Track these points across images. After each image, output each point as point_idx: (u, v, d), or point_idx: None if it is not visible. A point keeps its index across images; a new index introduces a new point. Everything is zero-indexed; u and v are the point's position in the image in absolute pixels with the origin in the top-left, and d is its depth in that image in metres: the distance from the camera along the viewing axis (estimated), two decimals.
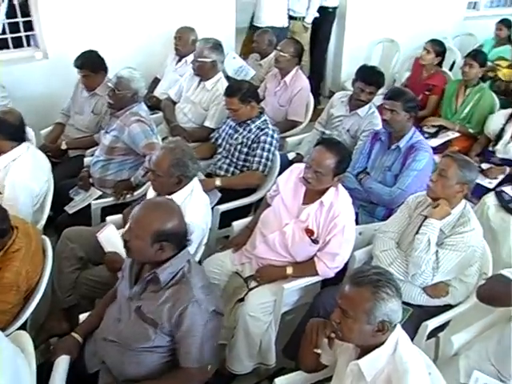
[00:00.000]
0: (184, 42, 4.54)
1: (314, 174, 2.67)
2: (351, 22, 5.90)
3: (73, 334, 2.31)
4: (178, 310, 2.02)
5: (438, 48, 4.89)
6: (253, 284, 2.80)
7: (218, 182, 3.40)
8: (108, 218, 3.06)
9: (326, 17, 5.80)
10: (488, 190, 3.87)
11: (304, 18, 5.66)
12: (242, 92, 3.44)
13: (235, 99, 3.43)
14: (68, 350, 2.22)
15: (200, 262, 2.86)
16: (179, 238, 2.11)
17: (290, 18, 5.69)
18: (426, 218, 2.67)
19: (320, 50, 6.05)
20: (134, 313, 2.12)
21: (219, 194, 3.33)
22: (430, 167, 3.26)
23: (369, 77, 3.78)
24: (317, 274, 2.76)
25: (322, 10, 5.72)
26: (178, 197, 2.61)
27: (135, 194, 3.40)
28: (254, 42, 5.01)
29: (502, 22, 6.11)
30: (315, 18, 5.70)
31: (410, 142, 3.26)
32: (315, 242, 2.72)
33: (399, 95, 3.29)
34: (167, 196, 2.53)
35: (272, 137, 3.44)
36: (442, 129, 4.50)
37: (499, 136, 4.16)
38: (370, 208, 3.32)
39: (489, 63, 5.11)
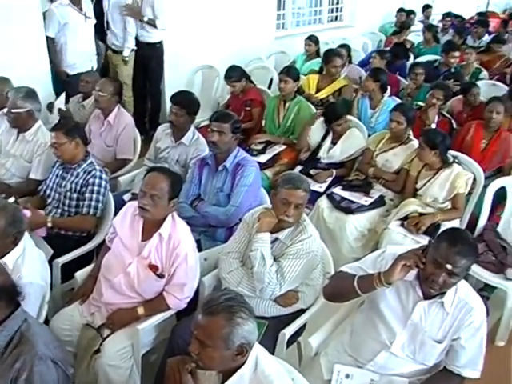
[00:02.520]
0: None
1: (149, 199, 2.66)
2: (169, 52, 6.02)
3: None
4: (23, 375, 1.88)
5: (240, 72, 5.15)
6: (106, 332, 2.70)
7: (49, 219, 3.27)
8: None
9: (154, 52, 5.91)
10: (320, 194, 4.15)
11: (122, 51, 5.72)
12: (67, 127, 3.36)
13: (60, 133, 3.31)
14: None
15: (47, 321, 2.71)
16: (8, 295, 1.98)
17: (113, 51, 5.78)
18: None
19: (155, 86, 6.16)
20: None
21: (51, 250, 3.17)
22: (258, 180, 3.42)
23: (179, 100, 3.89)
24: (169, 308, 2.74)
25: (149, 46, 5.82)
26: (10, 258, 2.45)
27: None
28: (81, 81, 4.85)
29: (310, 38, 6.76)
30: (143, 56, 5.81)
31: (236, 160, 3.39)
32: (161, 276, 2.71)
33: (227, 117, 3.41)
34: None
35: (101, 178, 3.36)
36: (268, 144, 4.75)
37: (320, 145, 4.51)
38: (210, 232, 3.37)
39: (302, 76, 5.51)
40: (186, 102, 3.91)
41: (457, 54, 6.18)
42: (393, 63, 6.34)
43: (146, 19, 5.59)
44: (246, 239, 2.84)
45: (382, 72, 5.11)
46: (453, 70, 6.10)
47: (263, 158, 4.51)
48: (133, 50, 5.76)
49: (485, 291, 3.72)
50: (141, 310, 2.72)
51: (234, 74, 5.09)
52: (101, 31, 5.82)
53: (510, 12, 12.43)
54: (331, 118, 4.43)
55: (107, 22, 5.75)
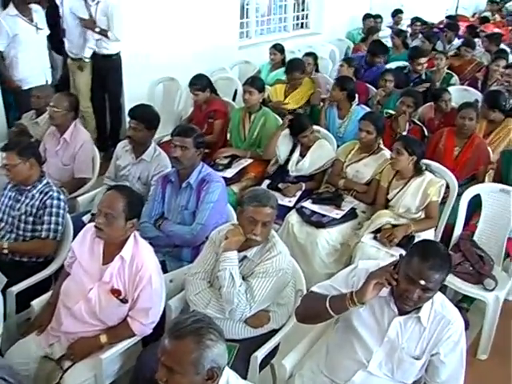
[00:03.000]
0: None
1: (104, 218, 2.65)
2: (127, 64, 6.02)
3: None
4: None
5: (205, 82, 5.16)
6: (67, 364, 2.67)
7: (5, 245, 3.24)
8: None
9: (111, 64, 5.91)
10: (290, 209, 4.19)
11: (81, 59, 5.76)
12: (21, 146, 3.32)
13: (13, 154, 3.27)
14: None
15: (1, 355, 2.68)
16: None
17: (72, 59, 5.82)
18: None
19: (114, 100, 6.16)
20: None
21: (4, 279, 3.13)
22: (224, 197, 3.45)
23: (138, 113, 3.90)
24: (134, 334, 2.73)
25: (105, 57, 5.82)
26: None
27: None
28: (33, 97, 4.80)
29: (275, 47, 6.82)
30: (99, 69, 5.84)
31: (200, 176, 3.41)
32: (124, 301, 2.70)
33: (189, 131, 3.43)
34: None
35: (58, 199, 3.34)
36: (234, 158, 4.78)
37: (288, 158, 4.56)
38: (175, 252, 3.37)
39: (268, 87, 5.58)
40: (145, 115, 3.91)
41: (423, 60, 6.29)
42: (372, 64, 6.59)
43: (97, 30, 5.60)
44: (213, 258, 2.85)
45: (348, 80, 5.20)
46: (423, 77, 6.24)
47: (229, 173, 4.54)
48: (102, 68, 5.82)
49: (464, 303, 3.81)
50: (104, 338, 2.71)
51: (199, 82, 5.11)
52: (57, 42, 5.81)
53: (479, 15, 12.80)
54: (297, 131, 4.49)
55: (63, 30, 5.75)
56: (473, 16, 13.72)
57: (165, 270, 3.10)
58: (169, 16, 6.25)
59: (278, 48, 6.77)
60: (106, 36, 5.63)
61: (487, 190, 3.89)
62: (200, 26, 6.62)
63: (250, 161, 4.79)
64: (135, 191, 2.98)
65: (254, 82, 4.88)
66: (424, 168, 3.95)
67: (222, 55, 6.94)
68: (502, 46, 8.19)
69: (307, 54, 6.49)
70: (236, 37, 7.55)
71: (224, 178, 3.94)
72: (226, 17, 7.12)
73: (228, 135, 5.14)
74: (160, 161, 3.87)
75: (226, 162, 4.72)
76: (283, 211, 4.08)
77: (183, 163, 3.37)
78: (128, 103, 6.04)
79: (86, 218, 3.85)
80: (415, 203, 3.87)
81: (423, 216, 3.90)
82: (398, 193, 3.95)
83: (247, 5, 7.93)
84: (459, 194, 3.99)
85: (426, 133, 4.87)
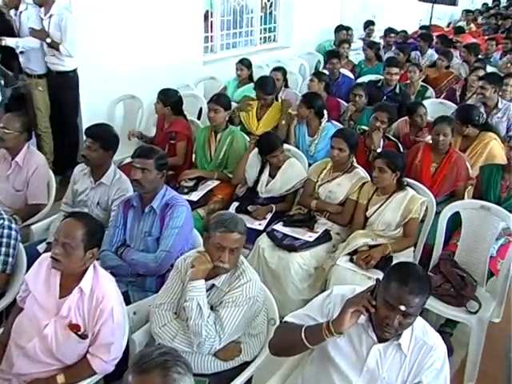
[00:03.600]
0: None
1: (61, 248, 2.62)
2: (85, 81, 6.01)
3: None
4: None
5: (170, 99, 5.17)
6: None
7: None
8: None
9: (66, 82, 5.90)
10: (260, 232, 4.21)
11: (39, 75, 5.78)
12: None
13: None
14: None
15: None
16: None
17: (27, 75, 5.83)
18: None
19: (71, 120, 6.13)
20: None
21: None
22: (190, 221, 3.45)
23: (93, 132, 3.89)
24: (94, 372, 2.68)
25: (60, 74, 5.82)
26: None
27: None
28: None
29: (241, 62, 6.82)
30: (55, 87, 5.87)
31: (164, 200, 3.40)
32: (83, 337, 2.65)
33: (150, 153, 3.42)
34: None
35: (10, 228, 3.28)
36: (200, 180, 4.78)
37: (258, 179, 4.58)
38: (139, 282, 3.35)
39: (234, 104, 5.61)
40: (100, 133, 3.88)
41: (394, 70, 6.37)
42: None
43: (48, 40, 5.59)
44: (179, 288, 2.84)
45: (315, 97, 5.24)
46: (397, 90, 6.35)
47: (195, 196, 4.54)
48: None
49: (447, 327, 3.86)
50: (61, 379, 2.65)
51: (163, 95, 5.14)
52: (7, 58, 5.77)
53: (454, 25, 13.13)
54: (266, 150, 4.49)
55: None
56: (448, 26, 14.09)
57: (128, 302, 3.07)
58: (129, 30, 6.28)
59: (244, 63, 6.79)
60: (57, 49, 5.62)
61: (467, 207, 3.94)
62: (162, 41, 6.67)
63: (217, 182, 4.79)
64: (95, 218, 2.95)
65: (220, 100, 4.89)
66: (406, 183, 4.02)
67: (185, 71, 6.98)
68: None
69: (275, 69, 6.54)
70: (200, 51, 7.60)
71: (190, 201, 3.96)
72: (189, 30, 7.18)
73: (193, 156, 5.15)
74: (121, 184, 3.84)
75: (191, 184, 4.72)
76: (253, 235, 4.10)
77: (145, 186, 3.37)
78: (86, 123, 6.01)
79: (40, 248, 3.80)
80: (396, 219, 3.93)
81: (401, 234, 3.96)
82: (378, 208, 4.01)
83: (211, 17, 8.01)
84: (438, 213, 4.05)
85: (402, 149, 4.94)
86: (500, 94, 5.90)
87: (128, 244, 3.45)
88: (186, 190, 4.56)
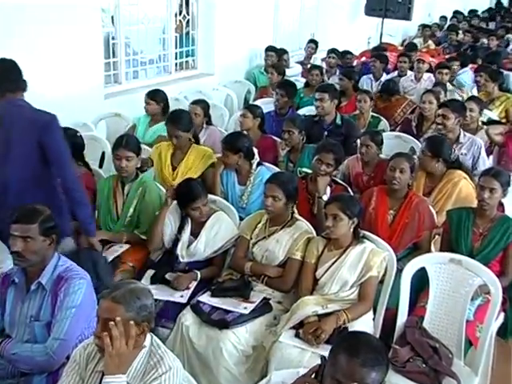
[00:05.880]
0: None
1: None
2: None
3: None
4: None
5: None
6: None
7: None
8: None
9: None
10: (182, 306, 4.15)
11: None
12: None
13: None
14: None
15: None
16: None
17: None
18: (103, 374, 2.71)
19: None
20: None
21: None
22: (91, 297, 3.36)
23: None
24: None
25: None
26: None
27: None
28: None
29: (150, 95, 6.69)
30: None
31: (56, 273, 3.34)
32: None
33: (33, 215, 3.33)
34: None
35: None
36: (105, 244, 4.68)
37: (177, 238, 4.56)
38: (23, 383, 3.23)
39: (145, 147, 5.57)
40: None
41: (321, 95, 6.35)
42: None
43: None
44: None
45: (239, 137, 5.26)
46: (338, 122, 6.40)
47: None
48: None
49: None
50: None
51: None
52: None
53: (409, 42, 13.55)
54: (185, 200, 4.47)
55: None
56: (402, 44, 14.56)
57: None
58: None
59: (157, 96, 6.68)
60: None
61: (434, 261, 4.02)
62: (51, 71, 6.50)
63: (126, 247, 4.72)
64: None
65: (128, 143, 4.77)
66: (362, 235, 4.08)
67: (82, 107, 6.74)
68: None
69: (194, 102, 6.54)
70: (101, 82, 7.46)
71: None
72: (85, 56, 6.96)
73: (96, 213, 5.05)
74: None
75: None
76: (174, 310, 4.08)
77: (29, 259, 3.29)
78: None
79: None
80: (353, 277, 3.97)
81: (356, 296, 3.99)
82: (331, 266, 4.04)
83: (113, 39, 7.89)
84: (400, 270, 4.09)
85: (352, 193, 4.99)
86: (461, 125, 6.03)
87: (7, 333, 3.35)
88: None
